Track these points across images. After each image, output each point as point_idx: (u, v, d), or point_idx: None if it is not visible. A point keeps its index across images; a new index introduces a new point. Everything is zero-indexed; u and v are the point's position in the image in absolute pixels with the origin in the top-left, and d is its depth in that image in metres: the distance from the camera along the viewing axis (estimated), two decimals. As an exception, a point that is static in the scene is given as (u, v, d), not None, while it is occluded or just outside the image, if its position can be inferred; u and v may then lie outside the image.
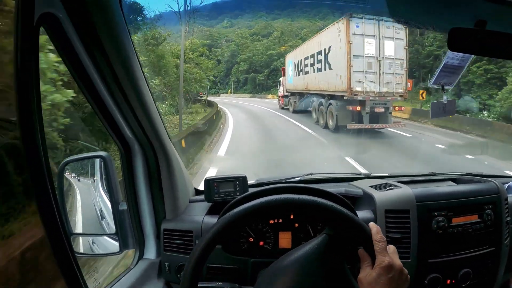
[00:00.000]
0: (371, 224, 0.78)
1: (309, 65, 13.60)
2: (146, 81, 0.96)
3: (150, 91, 0.98)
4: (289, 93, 16.66)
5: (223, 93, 41.18)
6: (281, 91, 18.17)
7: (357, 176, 1.52)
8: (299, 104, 15.15)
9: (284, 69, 17.97)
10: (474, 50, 1.07)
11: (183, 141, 7.06)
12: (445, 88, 1.28)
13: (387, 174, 1.59)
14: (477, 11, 1.13)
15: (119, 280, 1.05)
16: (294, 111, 15.53)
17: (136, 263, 1.16)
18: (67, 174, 1.37)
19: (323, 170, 4.92)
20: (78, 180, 1.49)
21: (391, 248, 0.77)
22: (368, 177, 1.52)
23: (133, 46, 0.87)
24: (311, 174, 1.51)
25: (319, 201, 0.75)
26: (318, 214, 0.77)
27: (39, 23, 0.62)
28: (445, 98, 1.31)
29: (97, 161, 1.32)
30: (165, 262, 1.15)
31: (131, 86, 0.90)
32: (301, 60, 14.74)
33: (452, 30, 0.98)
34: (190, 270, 0.70)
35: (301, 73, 14.86)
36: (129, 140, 1.07)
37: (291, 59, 16.74)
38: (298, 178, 1.45)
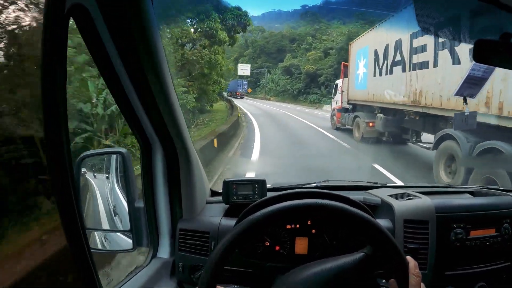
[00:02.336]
0: (408, 257, 0.75)
1: (406, 56, 7.04)
2: (172, 79, 0.95)
3: (174, 89, 0.97)
4: (351, 105, 10.64)
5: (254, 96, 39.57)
6: (337, 101, 11.72)
7: (374, 185, 1.50)
8: (385, 128, 8.31)
9: (346, 66, 11.43)
10: (498, 63, 1.05)
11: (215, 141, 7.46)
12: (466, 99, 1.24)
13: (403, 184, 1.56)
14: (503, 24, 1.10)
15: (132, 277, 1.04)
16: (366, 139, 8.92)
17: (150, 262, 1.15)
18: (84, 169, 1.38)
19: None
20: (94, 175, 1.49)
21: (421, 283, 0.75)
22: (385, 186, 1.50)
23: (161, 43, 0.86)
24: (327, 181, 1.49)
25: (353, 211, 0.73)
26: (341, 220, 0.75)
27: (69, 14, 0.61)
28: (467, 110, 1.27)
29: (113, 157, 1.32)
30: (179, 262, 1.13)
31: (157, 83, 0.89)
32: (395, 45, 7.56)
33: (477, 41, 0.96)
34: (210, 272, 0.68)
35: (388, 70, 8.01)
36: (150, 137, 1.06)
37: (367, 46, 9.45)
38: (315, 184, 1.43)
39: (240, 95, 35.58)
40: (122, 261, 1.91)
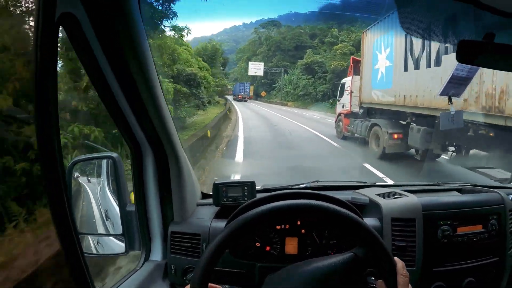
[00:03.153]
0: (396, 258, 0.77)
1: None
2: (160, 84, 0.97)
3: (163, 94, 0.99)
4: (363, 110, 8.64)
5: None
6: (344, 104, 9.83)
7: (363, 184, 1.52)
8: (423, 143, 6.13)
9: (356, 61, 9.57)
10: (482, 63, 1.08)
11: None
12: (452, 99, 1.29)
13: (392, 183, 1.58)
14: (486, 24, 1.14)
15: (125, 281, 1.05)
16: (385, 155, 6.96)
17: (142, 265, 1.15)
18: (76, 174, 1.38)
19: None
20: (86, 180, 1.50)
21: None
22: (373, 185, 1.52)
23: (149, 49, 0.88)
24: (317, 181, 1.51)
25: (344, 212, 0.75)
26: (328, 220, 0.77)
27: (59, 22, 0.62)
28: (452, 109, 1.31)
29: (104, 161, 1.33)
30: (171, 265, 1.14)
31: (146, 88, 0.91)
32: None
33: (461, 42, 0.99)
34: (201, 272, 0.69)
35: (433, 60, 5.80)
36: (140, 141, 1.07)
37: (392, 32, 7.21)
38: (304, 185, 1.45)
39: (243, 98, 32.87)
40: (116, 264, 1.91)
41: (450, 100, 1.30)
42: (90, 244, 1.32)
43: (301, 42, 34.44)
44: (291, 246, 1.11)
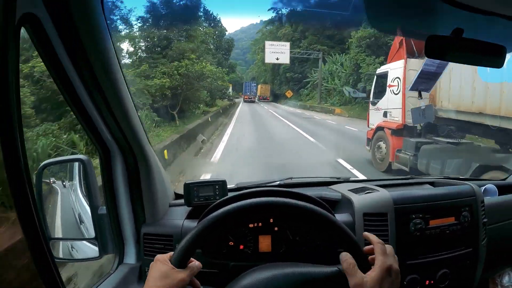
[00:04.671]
0: (366, 234, 0.79)
1: None
2: (126, 84, 0.96)
3: (130, 95, 0.98)
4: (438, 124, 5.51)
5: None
6: (387, 110, 6.51)
7: (336, 180, 1.54)
8: None
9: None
10: (450, 57, 1.11)
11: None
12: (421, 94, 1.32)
13: (366, 178, 1.61)
14: (455, 20, 1.17)
15: (99, 285, 1.04)
16: None
17: (116, 268, 1.14)
18: (46, 178, 1.35)
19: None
20: (57, 183, 1.47)
21: (389, 248, 0.78)
22: (347, 181, 1.54)
23: (114, 49, 0.87)
24: (291, 178, 1.52)
25: (291, 202, 0.76)
26: (295, 216, 0.78)
27: (21, 23, 0.61)
28: (422, 104, 1.35)
29: (76, 164, 1.30)
30: (145, 267, 1.13)
31: (111, 89, 0.90)
32: None
33: (429, 37, 1.02)
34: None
35: None
36: (108, 143, 1.06)
37: None
38: (278, 182, 1.46)
39: (249, 98, 29.53)
40: (90, 268, 1.88)
41: (420, 95, 1.34)
42: (63, 249, 1.30)
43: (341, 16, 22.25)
44: (265, 244, 1.12)
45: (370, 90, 7.49)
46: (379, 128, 6.70)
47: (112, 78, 0.88)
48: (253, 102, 29.11)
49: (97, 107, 0.93)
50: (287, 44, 21.33)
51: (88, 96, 0.89)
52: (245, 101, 28.79)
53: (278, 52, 20.76)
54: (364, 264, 0.74)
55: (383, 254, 0.74)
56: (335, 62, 21.59)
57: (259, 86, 31.30)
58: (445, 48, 1.03)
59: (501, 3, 0.92)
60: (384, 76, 6.59)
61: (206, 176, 5.97)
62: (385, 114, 6.53)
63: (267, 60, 22.13)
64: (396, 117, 6.13)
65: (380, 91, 6.77)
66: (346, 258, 0.74)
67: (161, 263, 0.73)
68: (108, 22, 0.83)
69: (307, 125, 14.20)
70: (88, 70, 0.83)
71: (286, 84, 27.05)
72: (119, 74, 0.91)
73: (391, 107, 6.30)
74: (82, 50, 0.80)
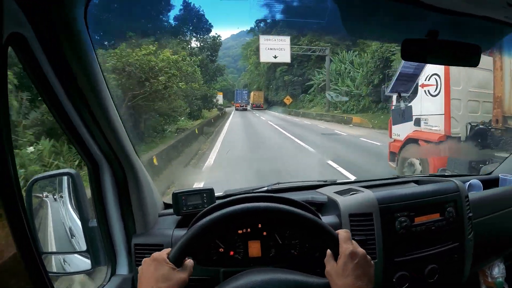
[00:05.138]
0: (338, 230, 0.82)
1: None
2: (112, 99, 0.97)
3: (116, 108, 1.00)
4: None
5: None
6: (424, 116, 4.98)
7: (323, 183, 1.56)
8: None
9: None
10: (426, 59, 1.14)
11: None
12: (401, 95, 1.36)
13: (352, 180, 1.64)
14: (430, 22, 1.21)
15: None
16: None
17: (109, 280, 1.15)
18: (36, 193, 1.35)
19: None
20: (47, 198, 1.46)
21: (347, 234, 0.82)
22: (333, 183, 1.56)
23: (99, 65, 0.89)
24: (278, 183, 1.54)
25: (273, 206, 0.79)
26: (279, 220, 0.81)
27: (8, 43, 0.63)
28: (402, 105, 1.39)
29: (65, 178, 1.30)
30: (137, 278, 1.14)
31: (97, 104, 0.92)
32: None
33: (405, 41, 1.05)
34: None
35: None
36: (96, 156, 1.07)
37: None
38: (266, 188, 1.48)
39: (241, 106, 27.56)
40: (83, 281, 1.87)
41: (399, 96, 1.38)
42: (56, 263, 1.30)
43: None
44: (254, 249, 1.14)
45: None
46: (411, 140, 5.28)
47: (98, 94, 0.90)
48: (245, 110, 27.46)
49: (84, 121, 0.94)
50: (287, 38, 17.19)
51: (75, 112, 0.91)
52: (237, 109, 27.34)
53: (276, 49, 16.74)
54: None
55: (346, 241, 0.78)
56: (342, 60, 18.16)
57: (252, 93, 29.11)
58: (421, 50, 1.06)
59: (473, 4, 0.96)
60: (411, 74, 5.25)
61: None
62: (417, 122, 5.02)
63: (263, 59, 17.81)
64: (436, 126, 4.77)
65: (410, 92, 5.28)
66: (328, 252, 0.80)
67: (160, 263, 0.73)
68: (92, 39, 0.85)
69: (351, 154, 8.48)
70: (74, 86, 0.85)
71: (283, 89, 23.05)
72: (105, 89, 0.93)
73: (427, 112, 4.90)
74: (68, 68, 0.82)
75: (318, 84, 19.81)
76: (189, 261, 0.77)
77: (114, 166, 1.10)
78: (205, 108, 16.79)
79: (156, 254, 0.75)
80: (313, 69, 20.81)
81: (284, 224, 1.12)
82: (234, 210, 0.78)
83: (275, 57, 16.92)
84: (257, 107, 27.84)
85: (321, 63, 19.62)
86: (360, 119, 15.01)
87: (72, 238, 1.32)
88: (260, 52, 17.04)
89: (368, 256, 0.78)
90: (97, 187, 1.11)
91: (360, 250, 0.78)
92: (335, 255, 0.78)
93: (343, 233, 0.80)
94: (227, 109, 25.02)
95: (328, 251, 0.80)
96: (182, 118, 12.14)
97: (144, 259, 0.77)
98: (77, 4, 0.76)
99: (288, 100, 21.64)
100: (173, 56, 9.69)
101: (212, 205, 0.98)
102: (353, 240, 0.80)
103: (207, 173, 7.01)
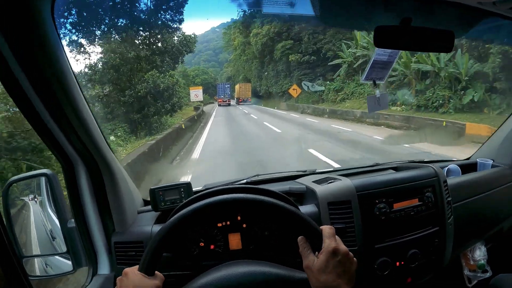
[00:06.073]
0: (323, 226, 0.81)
1: None
2: (84, 97, 0.95)
3: (88, 106, 0.98)
4: None
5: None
6: None
7: (302, 173, 1.57)
8: None
9: None
10: (399, 46, 1.15)
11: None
12: (376, 83, 1.37)
13: (331, 169, 1.65)
14: (403, 10, 1.21)
15: None
16: None
17: (91, 280, 1.13)
18: (14, 195, 1.32)
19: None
20: (26, 200, 1.44)
21: (331, 231, 0.81)
22: (313, 173, 1.57)
23: (67, 61, 0.87)
24: (257, 175, 1.54)
25: (248, 197, 0.79)
26: (256, 210, 0.81)
27: None
28: (378, 92, 1.40)
29: (42, 179, 1.28)
30: (119, 276, 1.13)
31: (68, 102, 0.90)
32: None
33: (377, 28, 1.06)
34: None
35: None
36: (71, 155, 1.05)
37: None
38: (245, 180, 1.48)
39: (224, 101, 25.11)
40: (67, 283, 1.85)
41: (374, 84, 1.39)
42: (38, 266, 1.28)
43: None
44: (235, 241, 1.14)
45: None
46: None
47: (68, 92, 0.88)
48: (229, 105, 25.22)
49: (56, 121, 0.92)
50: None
51: (46, 111, 0.89)
52: (220, 105, 25.03)
53: None
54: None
55: (330, 237, 0.77)
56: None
57: (237, 86, 26.43)
58: (394, 37, 1.07)
59: None
60: None
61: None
62: None
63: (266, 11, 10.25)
64: None
65: None
66: (301, 242, 0.79)
67: (132, 274, 0.75)
68: (60, 36, 0.83)
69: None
70: (44, 84, 0.83)
71: (287, 77, 17.25)
72: (75, 87, 0.90)
73: None
74: (35, 64, 0.80)
75: (350, 64, 13.36)
76: (159, 274, 0.78)
77: (89, 164, 1.08)
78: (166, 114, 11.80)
79: (127, 269, 0.77)
80: (337, 42, 13.68)
81: (262, 215, 1.12)
82: (209, 202, 0.78)
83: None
84: (243, 101, 25.25)
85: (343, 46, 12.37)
86: (485, 127, 8.08)
87: (53, 240, 1.30)
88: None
89: (351, 253, 0.78)
90: (73, 187, 1.10)
91: (343, 247, 0.77)
92: (316, 250, 0.77)
93: (327, 229, 0.78)
94: (206, 107, 21.82)
95: (301, 241, 0.79)
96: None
97: (118, 277, 0.78)
98: None
99: (294, 91, 15.65)
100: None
101: (188, 199, 0.98)
102: (337, 236, 0.79)
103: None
